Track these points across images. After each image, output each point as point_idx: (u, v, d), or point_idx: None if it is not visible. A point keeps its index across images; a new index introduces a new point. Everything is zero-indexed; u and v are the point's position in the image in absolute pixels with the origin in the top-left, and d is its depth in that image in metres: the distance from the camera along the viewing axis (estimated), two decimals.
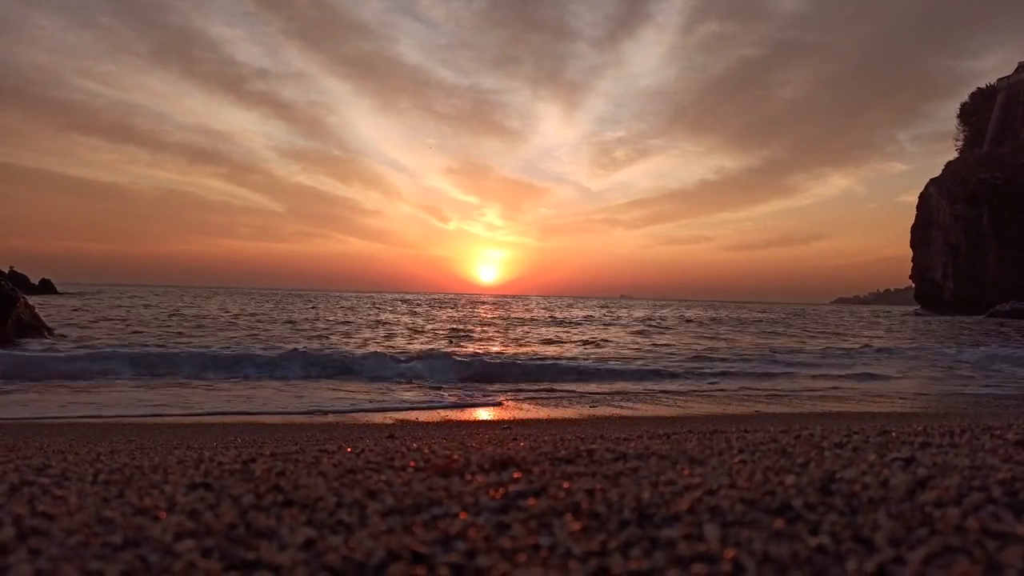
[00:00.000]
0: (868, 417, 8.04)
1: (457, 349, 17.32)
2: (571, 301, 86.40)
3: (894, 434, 2.26)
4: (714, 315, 48.78)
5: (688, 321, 37.38)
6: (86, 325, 21.34)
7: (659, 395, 10.64)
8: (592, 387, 11.48)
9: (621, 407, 9.24)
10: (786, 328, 32.51)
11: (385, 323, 29.20)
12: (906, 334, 29.23)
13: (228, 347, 15.39)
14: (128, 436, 5.52)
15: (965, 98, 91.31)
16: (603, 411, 8.91)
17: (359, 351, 15.47)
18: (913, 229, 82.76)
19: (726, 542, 1.06)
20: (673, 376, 13.12)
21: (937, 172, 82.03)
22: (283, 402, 9.42)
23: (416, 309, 44.80)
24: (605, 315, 43.12)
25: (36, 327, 16.46)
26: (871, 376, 13.48)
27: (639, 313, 44.08)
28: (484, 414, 8.76)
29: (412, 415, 8.48)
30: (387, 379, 12.06)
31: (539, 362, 14.70)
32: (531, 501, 1.34)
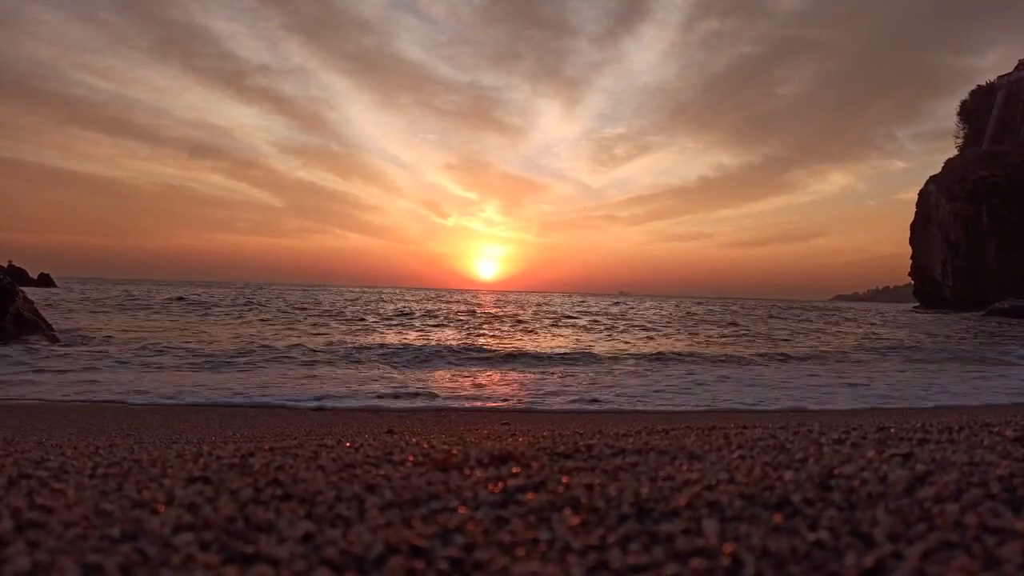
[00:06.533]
0: (867, 413, 8.05)
1: None
2: (582, 298, 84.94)
3: (893, 430, 2.26)
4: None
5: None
6: (91, 331, 18.98)
7: None
8: None
9: None
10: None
11: None
12: None
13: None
14: (127, 431, 5.53)
15: (965, 95, 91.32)
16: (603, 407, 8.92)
17: None
18: (912, 226, 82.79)
19: (725, 537, 1.06)
20: None
21: (937, 170, 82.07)
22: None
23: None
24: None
25: (36, 323, 16.44)
26: None
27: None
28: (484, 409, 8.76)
29: (411, 409, 8.49)
30: None
31: None
32: (530, 496, 1.33)
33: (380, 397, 9.59)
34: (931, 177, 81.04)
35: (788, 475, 1.46)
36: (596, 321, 29.42)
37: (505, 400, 9.51)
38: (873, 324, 33.80)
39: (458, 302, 50.09)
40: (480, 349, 16.13)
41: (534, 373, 12.66)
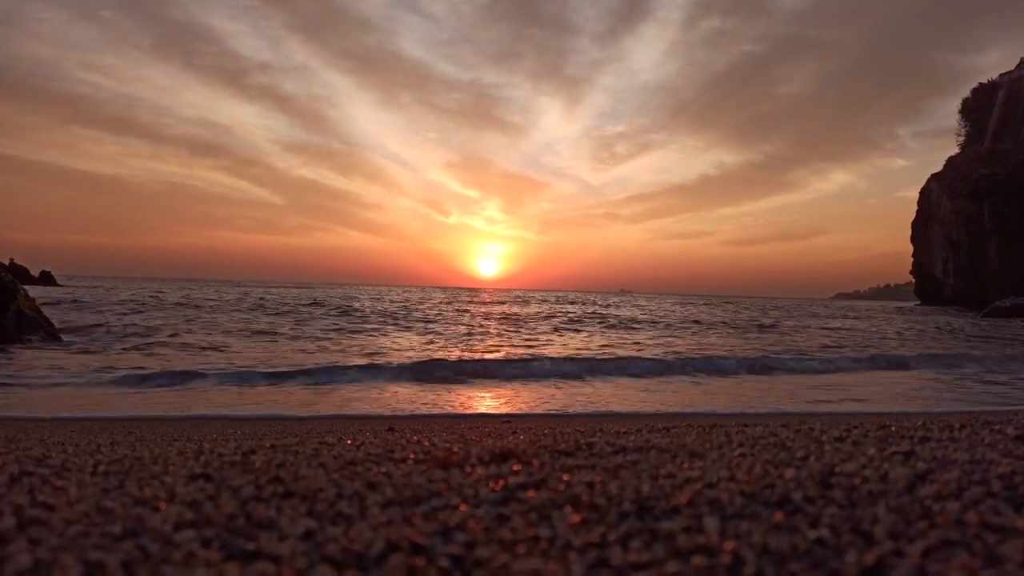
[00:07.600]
0: (867, 412, 8.05)
1: None
2: (584, 297, 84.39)
3: (894, 428, 2.26)
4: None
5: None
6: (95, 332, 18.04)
7: None
8: None
9: None
10: None
11: None
12: None
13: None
14: (128, 428, 5.54)
15: (967, 94, 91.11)
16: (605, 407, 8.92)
17: None
18: (914, 224, 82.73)
19: (726, 535, 1.06)
20: None
21: (938, 168, 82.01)
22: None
23: None
24: None
25: (37, 322, 16.41)
26: None
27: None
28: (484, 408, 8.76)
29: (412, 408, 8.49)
30: None
31: None
32: (531, 493, 1.34)
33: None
34: (932, 175, 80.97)
35: (789, 473, 1.46)
36: (600, 321, 29.52)
37: (510, 404, 9.50)
38: (874, 321, 34.03)
39: (460, 301, 50.14)
40: (487, 362, 15.72)
41: (538, 375, 12.66)
